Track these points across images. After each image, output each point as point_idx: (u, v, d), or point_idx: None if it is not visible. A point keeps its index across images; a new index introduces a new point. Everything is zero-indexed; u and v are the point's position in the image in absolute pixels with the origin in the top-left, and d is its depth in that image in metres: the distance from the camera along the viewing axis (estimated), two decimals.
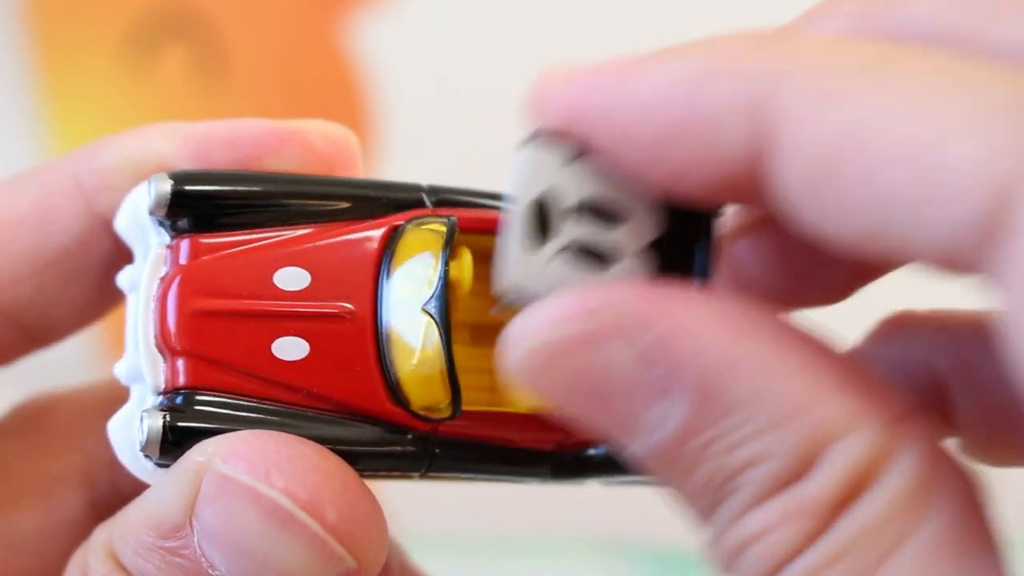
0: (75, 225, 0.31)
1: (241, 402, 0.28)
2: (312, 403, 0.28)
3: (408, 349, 0.28)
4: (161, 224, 0.30)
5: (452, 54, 0.72)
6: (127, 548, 0.28)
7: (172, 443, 0.28)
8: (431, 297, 0.28)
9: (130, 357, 0.29)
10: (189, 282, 0.29)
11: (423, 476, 0.30)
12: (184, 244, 0.29)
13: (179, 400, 0.28)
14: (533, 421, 0.29)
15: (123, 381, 0.29)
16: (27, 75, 0.72)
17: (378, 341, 0.29)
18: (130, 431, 0.29)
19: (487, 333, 0.30)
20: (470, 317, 0.31)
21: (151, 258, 0.30)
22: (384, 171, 0.69)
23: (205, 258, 0.29)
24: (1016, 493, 0.76)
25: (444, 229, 0.30)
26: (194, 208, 0.29)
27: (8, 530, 0.31)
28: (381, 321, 0.29)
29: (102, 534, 0.29)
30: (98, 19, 0.72)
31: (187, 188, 0.29)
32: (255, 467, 0.27)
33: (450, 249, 0.29)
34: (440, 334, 0.28)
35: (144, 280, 0.29)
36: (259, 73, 0.71)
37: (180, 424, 0.28)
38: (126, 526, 0.28)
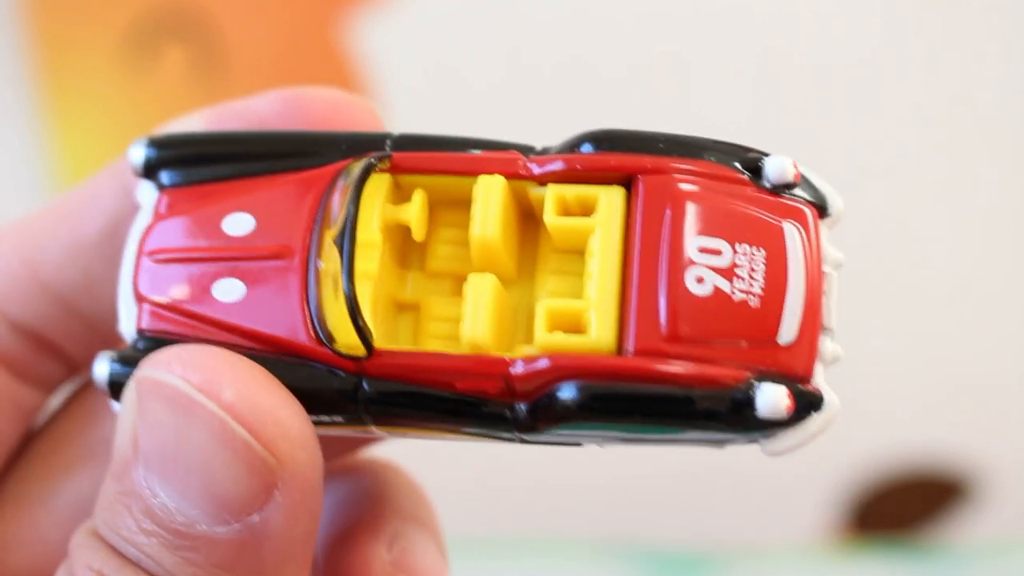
0: (112, 207, 0.32)
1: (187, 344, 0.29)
2: (248, 343, 0.29)
3: (332, 286, 0.29)
4: (151, 181, 0.32)
5: (453, 54, 0.72)
6: (98, 510, 0.28)
7: (119, 384, 0.29)
8: (339, 231, 0.29)
9: (121, 308, 0.31)
10: (154, 234, 0.31)
11: (375, 424, 0.29)
12: (162, 199, 0.31)
13: (139, 345, 0.30)
14: (471, 362, 0.28)
15: (122, 334, 0.31)
16: (27, 75, 0.72)
17: (308, 280, 0.29)
18: None
19: (461, 283, 0.30)
20: (451, 267, 0.31)
21: (140, 214, 0.31)
22: None
23: (173, 211, 0.31)
24: (1016, 493, 0.76)
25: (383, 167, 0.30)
26: (170, 166, 0.31)
27: (68, 496, 0.33)
28: (312, 260, 0.29)
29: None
30: (98, 19, 0.72)
31: (160, 152, 0.31)
32: (160, 362, 0.27)
33: (362, 182, 0.29)
34: (342, 266, 0.28)
35: (131, 234, 0.31)
36: (259, 73, 0.71)
37: (123, 366, 0.29)
38: (101, 489, 0.28)
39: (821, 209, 0.30)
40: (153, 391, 0.27)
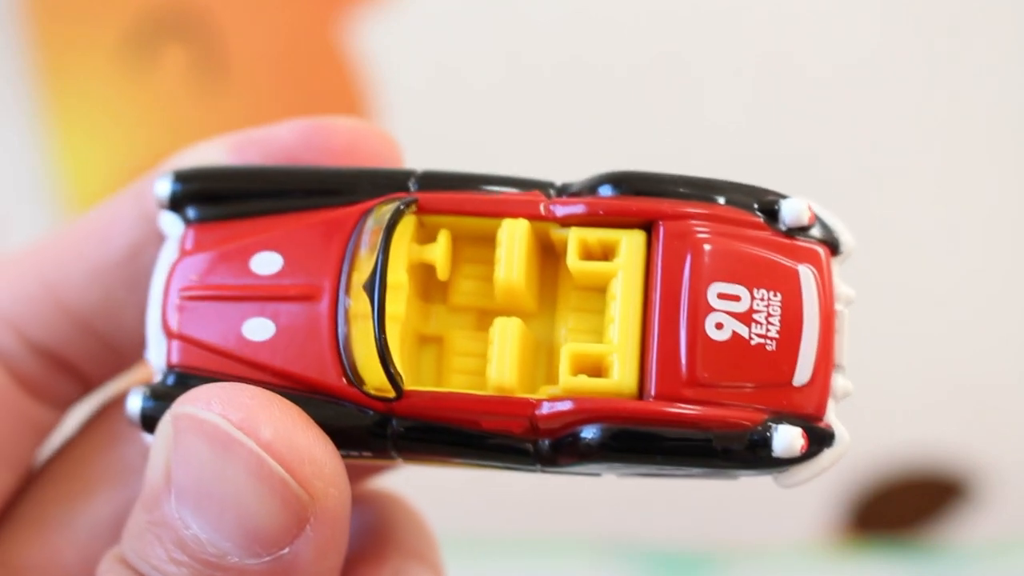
0: (133, 231, 0.33)
1: (218, 381, 0.30)
2: (278, 382, 0.30)
3: (361, 329, 0.29)
4: (176, 214, 0.32)
5: (453, 54, 0.72)
6: (127, 538, 0.29)
7: (152, 417, 0.30)
8: (369, 276, 0.29)
9: (150, 340, 0.31)
10: (182, 269, 0.31)
11: (401, 458, 0.30)
12: (188, 233, 0.32)
13: (170, 380, 0.31)
14: (497, 404, 0.29)
15: (149, 362, 0.31)
16: (27, 75, 0.72)
17: (336, 321, 0.30)
18: None
19: (489, 319, 0.31)
20: (474, 302, 0.32)
21: (166, 246, 0.32)
22: None
23: (200, 246, 0.31)
24: (1016, 493, 0.76)
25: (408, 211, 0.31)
26: (195, 201, 0.32)
27: (87, 519, 0.33)
28: (341, 302, 0.30)
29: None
30: (98, 19, 0.72)
31: (186, 186, 0.32)
32: (198, 400, 0.28)
33: (391, 230, 0.30)
34: (373, 314, 0.29)
35: (158, 267, 0.32)
36: (259, 74, 0.71)
37: (156, 400, 0.30)
38: (130, 518, 0.29)
39: (833, 247, 0.31)
40: (191, 427, 0.28)
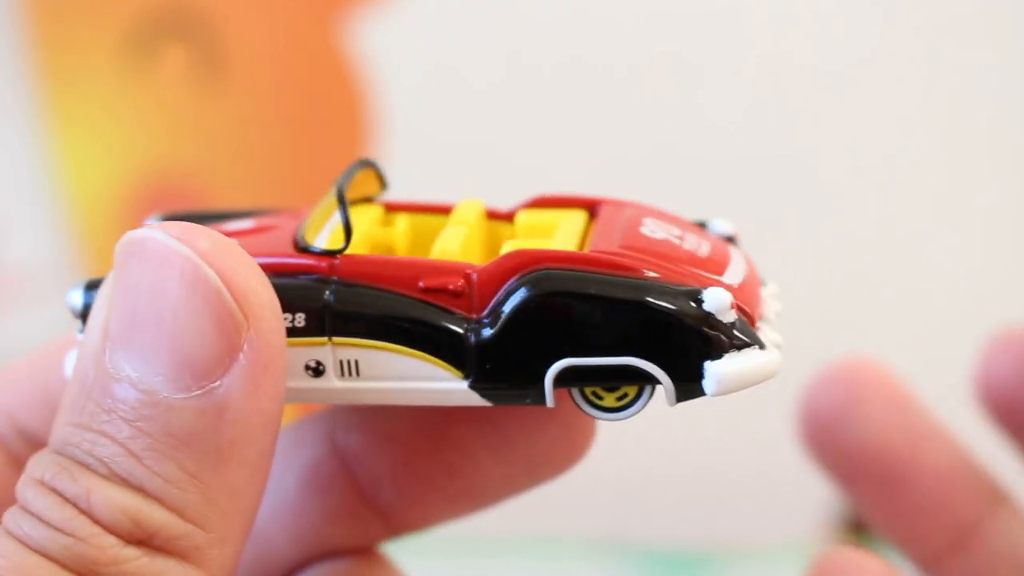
0: None
1: None
2: None
3: (320, 211, 0.31)
4: None
5: (453, 54, 0.72)
6: (56, 420, 0.28)
7: (94, 287, 0.30)
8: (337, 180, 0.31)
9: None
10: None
11: (334, 334, 0.30)
12: None
13: None
14: (437, 264, 0.30)
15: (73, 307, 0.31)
16: (27, 75, 0.72)
17: (296, 227, 0.31)
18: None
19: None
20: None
21: None
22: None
23: None
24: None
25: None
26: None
27: None
28: (303, 218, 0.31)
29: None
30: (98, 19, 0.72)
31: (176, 213, 0.33)
32: (144, 227, 0.27)
33: (357, 167, 0.32)
34: (337, 183, 0.30)
35: None
36: (259, 73, 0.71)
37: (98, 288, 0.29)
38: (60, 405, 0.28)
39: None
40: (131, 252, 0.27)
